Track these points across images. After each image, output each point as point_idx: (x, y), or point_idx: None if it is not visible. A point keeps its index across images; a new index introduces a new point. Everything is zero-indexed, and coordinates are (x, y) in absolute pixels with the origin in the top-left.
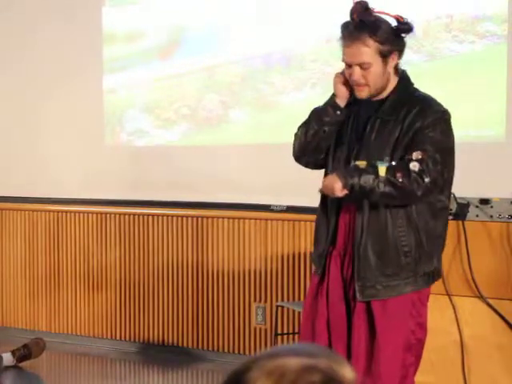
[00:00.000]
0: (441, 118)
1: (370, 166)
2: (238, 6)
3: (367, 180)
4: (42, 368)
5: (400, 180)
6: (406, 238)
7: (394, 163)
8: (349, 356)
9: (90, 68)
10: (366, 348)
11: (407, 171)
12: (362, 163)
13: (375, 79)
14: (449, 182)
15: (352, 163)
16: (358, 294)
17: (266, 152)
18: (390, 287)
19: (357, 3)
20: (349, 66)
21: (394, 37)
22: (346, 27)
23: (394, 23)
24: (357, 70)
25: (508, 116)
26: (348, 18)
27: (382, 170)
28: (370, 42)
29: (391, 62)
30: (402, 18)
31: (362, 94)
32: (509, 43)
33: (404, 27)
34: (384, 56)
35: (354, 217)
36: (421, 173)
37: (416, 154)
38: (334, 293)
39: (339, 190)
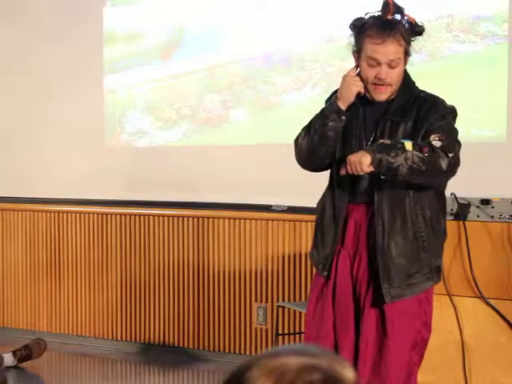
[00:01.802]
0: (450, 113)
1: (397, 142)
2: (238, 6)
3: (395, 155)
4: (43, 368)
5: (426, 154)
6: (425, 234)
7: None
8: (355, 355)
9: (90, 68)
10: (374, 347)
11: (431, 147)
12: (386, 140)
13: (398, 79)
14: None
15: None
16: (385, 296)
17: (267, 152)
18: (414, 285)
19: (392, 1)
20: (377, 64)
21: (411, 38)
22: (374, 25)
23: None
24: (385, 68)
25: (509, 116)
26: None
27: (409, 144)
28: (402, 41)
29: (406, 63)
30: (415, 19)
31: (383, 95)
32: (509, 43)
33: (419, 29)
34: (405, 56)
35: (366, 216)
36: (443, 149)
37: (433, 137)
38: (343, 293)
39: (366, 165)
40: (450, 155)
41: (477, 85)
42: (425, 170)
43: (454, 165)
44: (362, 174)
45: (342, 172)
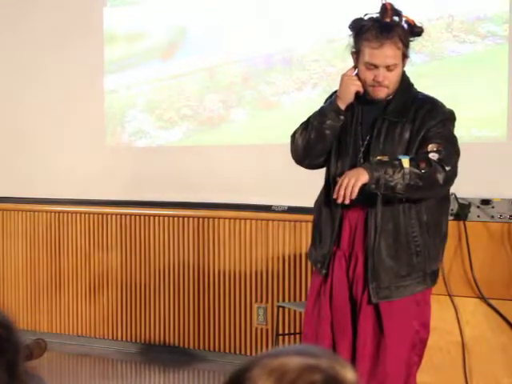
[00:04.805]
0: (449, 118)
1: (394, 159)
2: (238, 6)
3: (392, 173)
4: (44, 369)
5: (424, 170)
6: (419, 238)
7: (414, 156)
8: (353, 356)
9: (91, 68)
10: (372, 348)
11: (428, 161)
12: (384, 157)
13: (396, 81)
14: None
15: (372, 159)
16: (372, 296)
17: (267, 152)
18: (403, 287)
19: (389, 5)
20: (374, 66)
21: (409, 40)
22: (372, 28)
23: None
24: (383, 71)
25: (509, 116)
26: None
27: (406, 161)
28: (400, 44)
29: (404, 65)
30: (414, 21)
31: (381, 94)
32: (510, 44)
33: (418, 31)
34: (404, 58)
35: (361, 217)
36: (440, 162)
37: (431, 147)
38: (339, 293)
39: (363, 182)
40: (447, 168)
41: (477, 85)
42: (421, 186)
43: (450, 178)
44: (352, 199)
45: (335, 196)
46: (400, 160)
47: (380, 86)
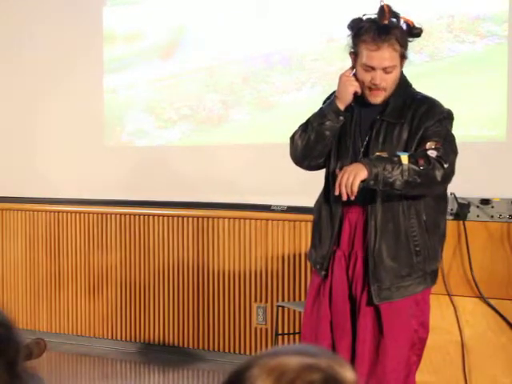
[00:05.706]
0: (446, 117)
1: (393, 156)
2: (238, 6)
3: (391, 169)
4: (43, 368)
5: (422, 167)
6: (418, 238)
7: (413, 152)
8: (353, 355)
9: (90, 68)
10: (371, 347)
11: (427, 158)
12: (383, 153)
13: (393, 83)
14: None
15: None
16: (373, 298)
17: (267, 152)
18: (404, 287)
19: (387, 6)
20: (371, 68)
21: (407, 41)
22: (370, 30)
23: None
24: (380, 73)
25: (509, 116)
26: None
27: (405, 158)
28: (397, 46)
29: (402, 66)
30: (413, 22)
31: (378, 98)
32: (509, 43)
33: (417, 32)
34: (402, 59)
35: (361, 217)
36: (439, 159)
37: (430, 144)
38: (338, 293)
39: (362, 178)
40: (445, 166)
41: (477, 84)
42: (420, 183)
43: (448, 175)
44: (352, 198)
45: (337, 192)
46: (399, 156)
47: (377, 89)
